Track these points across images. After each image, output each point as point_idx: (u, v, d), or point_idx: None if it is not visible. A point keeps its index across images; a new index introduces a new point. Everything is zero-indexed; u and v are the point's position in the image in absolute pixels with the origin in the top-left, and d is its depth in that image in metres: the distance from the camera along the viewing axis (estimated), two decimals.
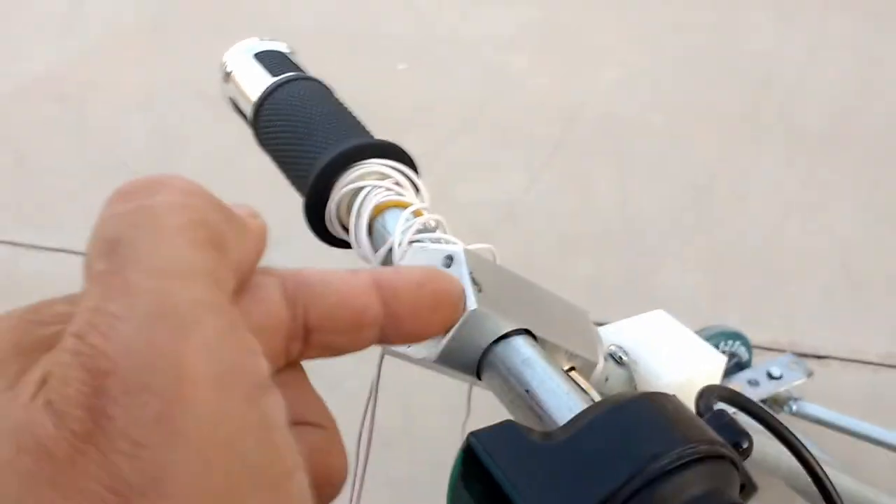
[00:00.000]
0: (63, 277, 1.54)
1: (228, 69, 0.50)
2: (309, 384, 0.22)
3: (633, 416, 0.25)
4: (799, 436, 0.92)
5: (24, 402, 0.15)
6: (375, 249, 0.40)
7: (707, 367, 0.41)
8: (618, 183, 1.65)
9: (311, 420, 0.21)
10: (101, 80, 2.01)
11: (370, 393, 0.36)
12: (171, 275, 0.17)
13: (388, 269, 0.23)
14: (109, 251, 0.17)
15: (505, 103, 1.86)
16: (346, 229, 0.42)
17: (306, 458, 0.18)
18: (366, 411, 0.36)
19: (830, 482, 0.34)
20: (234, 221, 0.20)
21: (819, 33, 2.00)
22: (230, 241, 0.19)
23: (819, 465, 0.33)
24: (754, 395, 1.07)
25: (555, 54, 1.99)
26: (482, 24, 2.10)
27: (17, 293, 1.51)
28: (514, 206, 1.62)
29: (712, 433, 0.26)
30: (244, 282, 0.20)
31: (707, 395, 0.32)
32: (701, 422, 0.27)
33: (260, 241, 0.21)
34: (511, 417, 0.29)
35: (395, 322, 0.22)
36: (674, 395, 0.27)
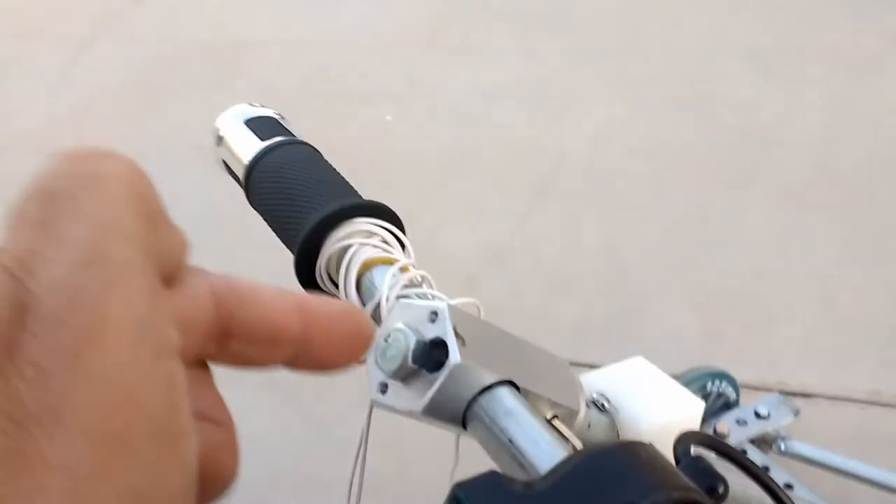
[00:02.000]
0: None
1: (221, 133, 0.52)
2: (213, 384, 0.23)
3: (610, 465, 0.27)
4: (781, 474, 0.94)
5: None
6: (364, 304, 0.42)
7: (686, 411, 0.43)
8: (602, 227, 1.68)
9: (211, 416, 0.22)
10: (92, 137, 2.04)
11: (360, 440, 0.37)
12: (108, 230, 0.17)
13: (314, 296, 0.23)
14: (47, 201, 0.18)
15: (490, 151, 1.90)
16: (335, 284, 0.43)
17: (200, 450, 0.19)
18: (356, 458, 0.37)
19: None
20: (165, 213, 0.21)
21: (796, 81, 2.05)
22: (161, 225, 0.20)
23: (788, 500, 0.35)
24: (742, 434, 1.08)
25: (538, 103, 2.04)
26: (467, 75, 2.15)
27: None
28: (501, 250, 1.64)
29: (686, 480, 0.27)
30: (171, 274, 0.21)
31: (684, 440, 0.34)
32: (675, 469, 0.28)
33: (185, 242, 0.22)
34: (496, 466, 0.31)
35: (308, 346, 0.23)
36: (650, 444, 0.29)
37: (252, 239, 1.57)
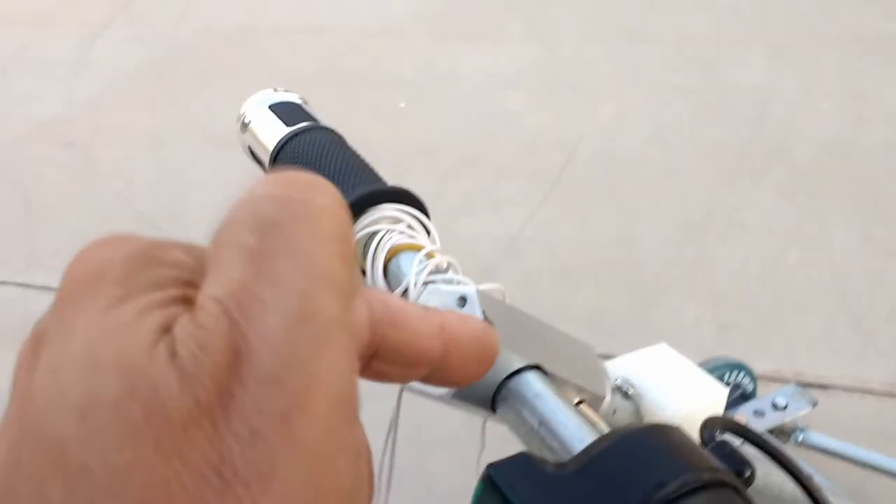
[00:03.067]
0: None
1: (246, 120, 0.52)
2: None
3: (640, 447, 0.27)
4: (802, 465, 0.94)
5: (144, 346, 0.15)
6: (391, 290, 0.42)
7: (710, 398, 0.43)
8: (617, 217, 1.67)
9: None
10: (109, 125, 2.05)
11: (389, 428, 0.37)
12: (320, 281, 0.17)
13: (453, 315, 0.23)
14: (264, 230, 0.17)
15: (504, 140, 1.89)
16: (363, 272, 0.43)
17: None
18: (385, 445, 0.37)
19: None
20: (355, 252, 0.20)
21: (811, 69, 2.04)
22: (355, 269, 0.20)
23: (820, 492, 0.34)
24: (760, 425, 1.08)
25: (552, 92, 2.03)
26: (480, 63, 2.14)
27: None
28: (516, 240, 1.64)
29: (715, 462, 0.27)
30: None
31: (710, 425, 0.34)
32: (705, 451, 0.28)
33: (361, 279, 0.21)
34: (525, 449, 0.31)
35: (445, 367, 0.23)
36: (678, 427, 0.29)
37: None
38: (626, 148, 1.84)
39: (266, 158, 0.50)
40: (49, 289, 1.63)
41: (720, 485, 0.26)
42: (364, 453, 0.18)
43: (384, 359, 0.21)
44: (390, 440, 0.38)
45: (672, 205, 1.69)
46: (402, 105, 2.02)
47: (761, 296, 1.50)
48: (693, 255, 1.59)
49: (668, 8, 2.29)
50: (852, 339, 1.42)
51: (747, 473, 0.30)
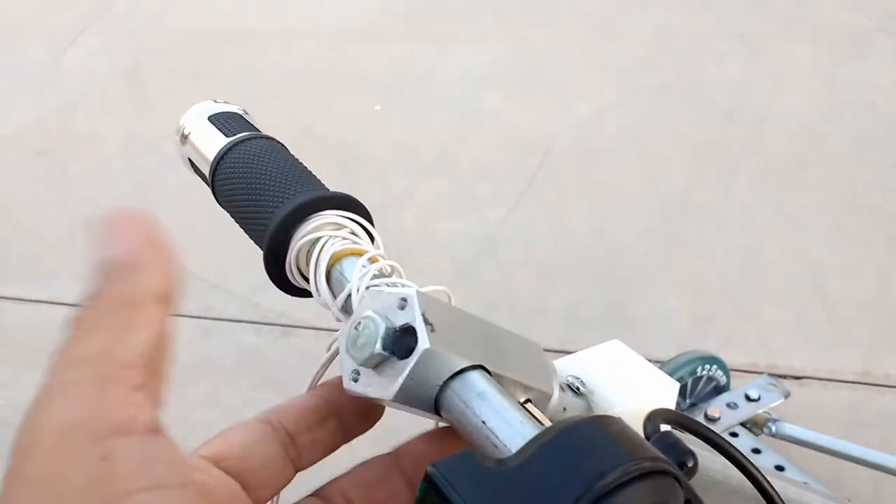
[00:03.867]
0: (48, 329, 1.54)
1: (185, 132, 0.52)
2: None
3: (580, 439, 0.27)
4: (773, 456, 0.94)
5: None
6: (335, 296, 0.42)
7: (661, 393, 0.43)
8: (593, 212, 1.68)
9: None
10: (81, 132, 2.03)
11: None
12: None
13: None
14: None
15: (480, 139, 1.90)
16: (305, 278, 0.43)
17: None
18: None
19: (775, 491, 0.35)
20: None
21: (783, 61, 2.05)
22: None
23: (762, 475, 0.35)
24: (734, 417, 1.09)
25: (527, 90, 2.03)
26: (456, 63, 2.15)
27: (5, 346, 1.51)
28: (493, 238, 1.64)
29: (656, 451, 0.27)
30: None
31: (654, 418, 0.34)
32: (645, 441, 0.28)
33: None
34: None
35: None
36: (619, 418, 0.29)
37: (244, 235, 1.58)
38: (602, 144, 1.85)
39: (206, 170, 0.50)
40: (21, 300, 1.62)
41: (661, 473, 0.26)
42: (121, 456, 0.22)
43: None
44: None
45: (647, 199, 1.70)
46: (378, 107, 2.02)
47: (736, 288, 1.52)
48: (669, 248, 1.60)
49: (640, 4, 2.31)
50: (826, 329, 1.43)
51: (690, 463, 0.30)
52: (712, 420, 1.08)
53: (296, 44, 2.26)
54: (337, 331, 0.38)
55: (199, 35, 2.33)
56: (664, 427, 0.34)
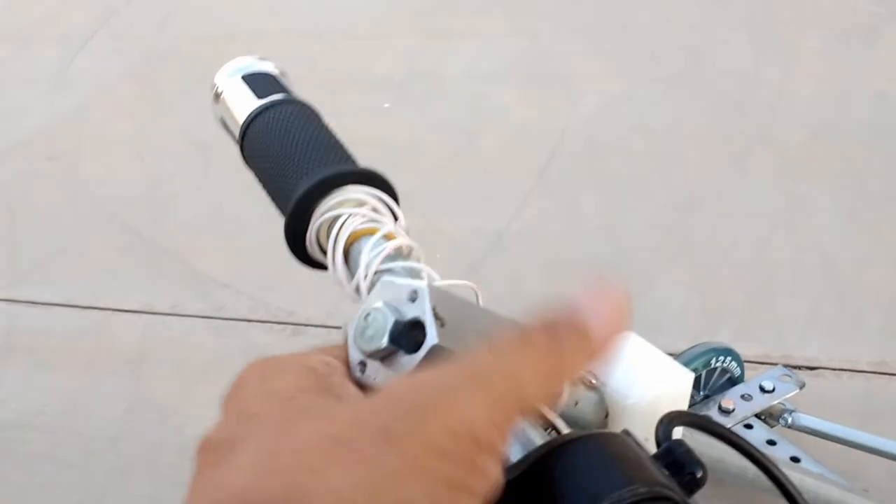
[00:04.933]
0: (60, 331, 1.55)
1: (218, 90, 0.51)
2: None
3: (577, 457, 0.26)
4: (788, 448, 0.93)
5: None
6: (351, 275, 0.42)
7: (675, 384, 0.43)
8: (603, 206, 1.68)
9: None
10: (92, 135, 2.04)
11: None
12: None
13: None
14: None
15: (488, 135, 1.89)
16: (324, 252, 0.43)
17: None
18: None
19: (792, 485, 0.35)
20: None
21: (792, 51, 2.04)
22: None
23: (779, 470, 0.34)
24: (748, 409, 1.08)
25: (534, 85, 2.03)
26: (463, 59, 2.14)
27: (18, 349, 1.52)
28: (502, 234, 1.64)
29: (654, 474, 0.26)
30: None
31: (666, 423, 0.33)
32: (646, 461, 0.27)
33: None
34: None
35: None
36: (620, 434, 0.28)
37: (253, 234, 1.58)
38: (611, 137, 1.84)
39: (237, 131, 0.49)
40: (33, 303, 1.62)
41: (658, 499, 0.26)
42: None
43: None
44: None
45: (657, 192, 1.70)
46: (387, 105, 2.02)
47: (748, 280, 1.51)
48: (679, 241, 1.59)
49: None
50: (839, 319, 1.42)
51: (699, 474, 0.29)
52: (727, 412, 1.07)
53: (302, 44, 2.26)
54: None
55: (206, 38, 2.34)
56: (678, 430, 0.33)
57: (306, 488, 0.22)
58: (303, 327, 1.50)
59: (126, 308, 1.58)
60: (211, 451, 0.26)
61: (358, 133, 2.13)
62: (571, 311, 0.29)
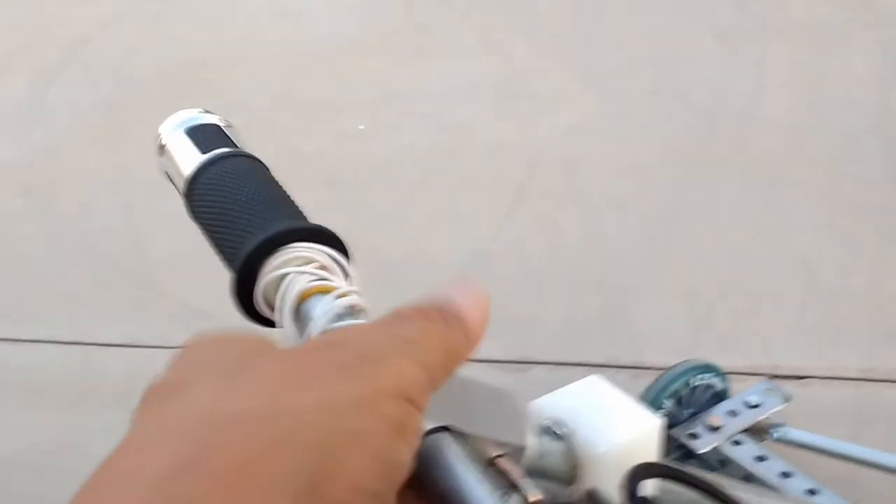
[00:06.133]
0: (45, 368, 1.53)
1: (162, 142, 0.50)
2: None
3: None
4: (777, 464, 0.91)
5: None
6: (300, 335, 0.41)
7: (644, 430, 0.41)
8: (583, 222, 1.67)
9: None
10: (67, 167, 2.02)
11: None
12: None
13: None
14: None
15: (465, 154, 1.88)
16: (273, 309, 0.42)
17: None
18: None
19: None
20: None
21: (763, 59, 2.04)
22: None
23: None
24: (736, 425, 1.07)
25: (509, 103, 2.02)
26: (436, 79, 2.13)
27: (3, 386, 1.50)
28: (484, 253, 1.63)
29: None
30: None
31: (633, 477, 0.32)
32: None
33: None
34: None
35: None
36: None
37: None
38: (587, 152, 1.84)
39: (182, 186, 0.48)
40: (12, 340, 1.60)
41: None
42: None
43: None
44: None
45: (637, 205, 1.69)
46: (362, 127, 2.01)
47: (732, 290, 1.50)
48: (661, 253, 1.58)
49: (616, 11, 2.29)
50: (825, 327, 1.42)
51: None
52: (714, 429, 1.06)
53: (276, 68, 2.25)
54: None
55: (179, 65, 2.32)
56: (647, 486, 0.32)
57: (269, 408, 0.23)
58: None
59: (111, 342, 1.56)
60: (162, 389, 0.26)
61: (335, 155, 2.13)
62: (449, 301, 0.31)
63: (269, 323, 0.44)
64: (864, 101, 1.87)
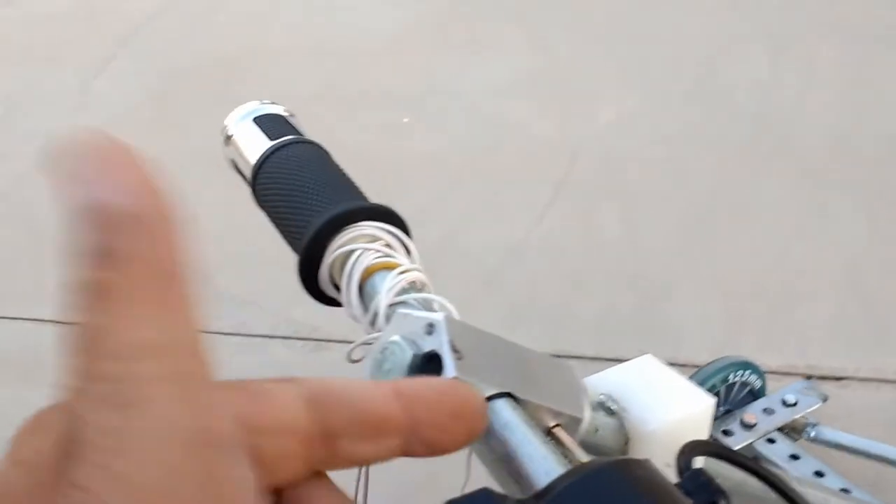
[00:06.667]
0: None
1: (229, 133, 0.52)
2: (334, 490, 0.23)
3: (603, 485, 0.26)
4: (811, 462, 0.92)
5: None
6: (366, 309, 0.42)
7: (696, 409, 0.43)
8: (621, 219, 1.67)
9: None
10: None
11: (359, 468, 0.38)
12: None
13: (411, 381, 0.24)
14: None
15: (506, 148, 1.89)
16: (338, 288, 0.43)
17: None
18: (357, 486, 0.37)
19: None
20: None
21: (811, 60, 2.02)
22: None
23: (798, 495, 0.34)
24: (771, 423, 1.07)
25: (551, 98, 2.03)
26: (481, 73, 2.15)
27: (48, 368, 1.54)
28: (521, 247, 1.64)
29: (682, 499, 0.27)
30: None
31: (687, 452, 0.33)
32: (671, 489, 0.27)
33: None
34: (496, 482, 0.31)
35: (417, 431, 0.23)
36: (646, 460, 0.28)
37: (274, 253, 1.59)
38: (629, 149, 1.84)
39: (249, 172, 0.50)
40: (59, 322, 1.64)
41: None
42: (221, 474, 0.19)
43: (345, 437, 0.22)
44: (362, 480, 0.38)
45: (677, 203, 1.69)
46: (406, 120, 2.03)
47: (770, 290, 1.50)
48: (700, 252, 1.58)
49: (662, 7, 2.29)
50: (864, 329, 1.41)
51: (721, 503, 0.30)
52: (749, 426, 1.06)
53: (322, 61, 2.27)
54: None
55: (225, 56, 2.36)
56: (698, 460, 0.33)
57: None
58: (325, 342, 1.51)
59: None
60: None
61: (378, 148, 2.15)
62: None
63: (332, 302, 0.46)
64: None
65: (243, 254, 1.72)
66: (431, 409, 0.23)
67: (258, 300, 1.61)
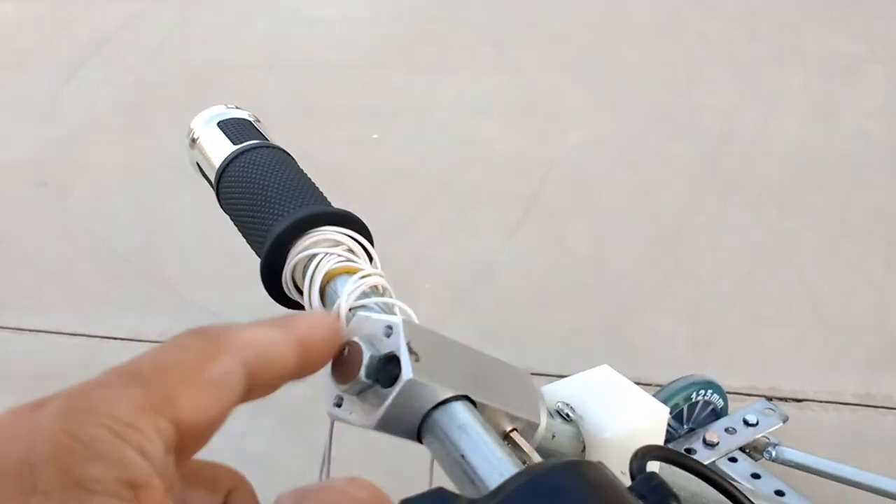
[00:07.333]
0: (47, 358, 1.55)
1: (194, 136, 0.52)
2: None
3: (555, 485, 0.26)
4: (772, 481, 0.93)
5: None
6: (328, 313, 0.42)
7: (651, 418, 0.43)
8: (590, 239, 1.69)
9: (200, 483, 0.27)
10: (81, 163, 2.05)
11: (322, 461, 0.37)
12: None
13: (304, 328, 0.28)
14: None
15: (476, 167, 1.91)
16: (300, 291, 0.43)
17: None
18: (321, 471, 0.37)
19: None
20: None
21: (775, 89, 2.07)
22: None
23: (751, 501, 0.35)
24: (732, 442, 1.08)
25: (523, 119, 2.05)
26: (451, 92, 2.16)
27: (4, 375, 1.51)
28: (491, 265, 1.65)
29: (631, 500, 0.27)
30: None
31: (640, 456, 0.34)
32: (622, 490, 0.27)
33: None
34: (449, 482, 0.31)
35: (303, 365, 0.28)
36: (598, 463, 0.29)
37: (242, 259, 1.58)
38: (597, 171, 1.86)
39: (213, 175, 0.50)
40: (21, 330, 1.62)
41: None
42: None
43: (258, 385, 0.26)
44: (324, 474, 0.38)
45: (643, 225, 1.71)
46: (375, 136, 2.03)
47: (734, 312, 1.52)
48: (665, 273, 1.60)
49: (633, 33, 2.33)
50: (825, 352, 1.43)
51: None
52: (711, 445, 1.07)
53: (292, 75, 2.28)
54: None
55: (197, 67, 2.35)
56: (652, 464, 0.34)
57: None
58: None
59: (115, 336, 1.58)
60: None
61: (347, 163, 2.14)
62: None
63: (295, 305, 0.46)
64: (873, 133, 1.89)
65: (211, 264, 1.71)
66: (314, 346, 0.28)
67: (225, 311, 1.59)
